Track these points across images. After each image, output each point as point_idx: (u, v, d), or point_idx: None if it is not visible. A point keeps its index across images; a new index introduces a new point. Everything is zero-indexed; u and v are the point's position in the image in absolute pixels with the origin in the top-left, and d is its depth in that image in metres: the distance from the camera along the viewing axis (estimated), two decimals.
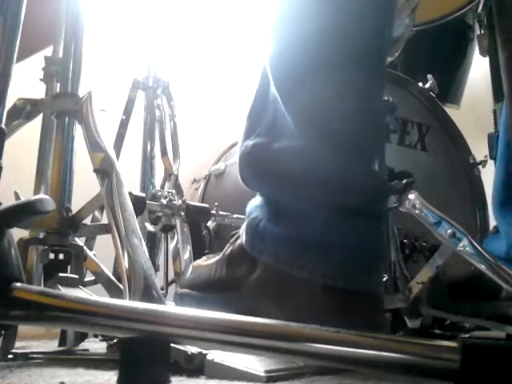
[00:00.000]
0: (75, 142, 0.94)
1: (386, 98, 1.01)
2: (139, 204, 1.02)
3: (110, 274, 0.93)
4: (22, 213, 0.53)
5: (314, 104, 0.65)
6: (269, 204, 0.68)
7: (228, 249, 0.73)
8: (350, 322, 0.60)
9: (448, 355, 0.38)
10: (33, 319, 0.48)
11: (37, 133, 1.05)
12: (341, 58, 0.64)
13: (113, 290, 0.89)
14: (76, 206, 0.90)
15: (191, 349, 0.66)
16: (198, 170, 1.67)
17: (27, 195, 0.89)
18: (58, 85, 0.97)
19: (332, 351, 0.42)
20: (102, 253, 0.97)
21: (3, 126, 0.61)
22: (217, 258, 0.75)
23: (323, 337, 0.42)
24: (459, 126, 1.43)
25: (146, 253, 0.69)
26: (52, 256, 0.87)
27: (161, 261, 1.34)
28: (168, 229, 1.24)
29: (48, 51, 1.06)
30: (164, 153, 1.40)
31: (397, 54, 1.25)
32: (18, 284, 0.47)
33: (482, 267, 0.79)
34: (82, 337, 0.94)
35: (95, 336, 1.11)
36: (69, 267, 0.88)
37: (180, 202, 1.21)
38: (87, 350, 0.93)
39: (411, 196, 0.87)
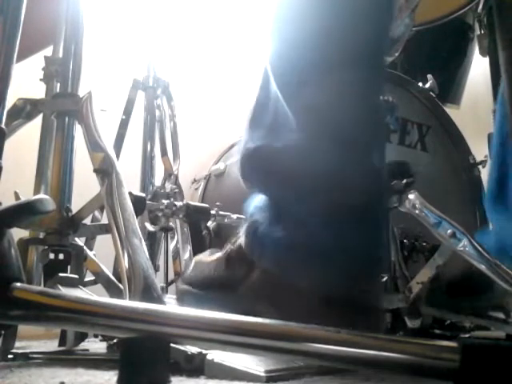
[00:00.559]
0: (75, 141, 0.94)
1: (386, 98, 1.01)
2: (139, 204, 1.02)
3: (109, 274, 0.93)
4: (22, 213, 0.53)
5: (315, 102, 0.64)
6: (270, 206, 0.68)
7: (228, 248, 0.73)
8: (350, 323, 0.59)
9: (448, 355, 0.38)
10: (33, 319, 0.48)
11: (37, 133, 1.05)
12: (341, 57, 0.64)
13: (113, 289, 0.89)
14: (76, 206, 0.90)
15: (191, 349, 0.66)
16: (197, 170, 1.67)
17: (27, 195, 0.89)
18: (58, 85, 0.98)
19: (332, 351, 0.42)
20: (102, 253, 0.97)
21: (3, 126, 0.61)
22: (218, 255, 0.75)
23: (323, 337, 0.42)
24: (459, 126, 1.43)
25: (146, 253, 0.69)
26: (52, 256, 0.87)
27: (161, 261, 1.34)
28: (168, 229, 1.24)
29: (48, 51, 1.06)
30: (164, 153, 1.40)
31: (397, 54, 1.25)
32: (18, 284, 0.47)
33: (482, 267, 0.79)
34: (82, 337, 0.93)
35: (95, 336, 1.11)
36: (69, 267, 0.88)
37: (180, 201, 1.21)
38: (87, 350, 0.93)
39: (411, 196, 0.88)
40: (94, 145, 0.84)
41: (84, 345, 0.95)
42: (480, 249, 0.81)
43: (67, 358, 0.85)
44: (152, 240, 1.33)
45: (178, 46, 1.88)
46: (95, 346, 1.03)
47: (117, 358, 0.45)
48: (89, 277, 0.98)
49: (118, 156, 1.31)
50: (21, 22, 0.67)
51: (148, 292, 0.63)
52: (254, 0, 2.05)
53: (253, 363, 0.64)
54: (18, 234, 0.75)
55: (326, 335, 0.42)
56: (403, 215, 0.91)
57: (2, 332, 0.76)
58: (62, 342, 1.00)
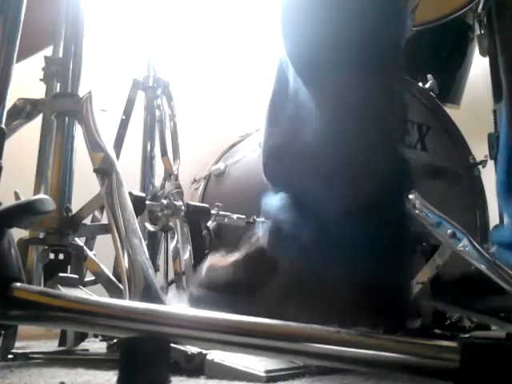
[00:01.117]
0: (75, 141, 0.94)
1: None
2: (139, 204, 1.02)
3: (109, 274, 0.93)
4: (22, 213, 0.53)
5: (339, 98, 0.64)
6: (294, 205, 0.67)
7: (246, 250, 0.72)
8: (380, 320, 0.60)
9: (448, 355, 0.38)
10: (33, 319, 0.48)
11: (37, 133, 1.05)
12: (365, 53, 0.64)
13: (113, 290, 0.89)
14: (76, 206, 0.90)
15: (191, 349, 0.66)
16: (197, 169, 1.67)
17: (27, 195, 0.89)
18: (58, 85, 0.98)
19: (332, 351, 0.42)
20: (102, 253, 0.97)
21: (3, 126, 0.61)
22: (233, 258, 0.74)
23: (323, 337, 0.42)
24: (459, 126, 1.43)
25: (146, 253, 0.69)
26: (52, 256, 0.87)
27: (161, 261, 1.34)
28: (168, 229, 1.24)
29: (48, 51, 1.06)
30: (164, 153, 1.40)
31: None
32: (18, 284, 0.47)
33: (482, 267, 0.79)
34: (82, 337, 0.93)
35: (95, 336, 1.11)
36: (69, 267, 0.88)
37: (180, 202, 1.21)
38: (87, 350, 0.93)
39: (411, 196, 0.88)
40: (94, 145, 0.84)
41: (84, 345, 0.95)
42: (480, 249, 0.81)
43: (67, 357, 0.85)
44: (152, 240, 1.33)
45: (178, 46, 1.88)
46: (95, 345, 1.02)
47: (117, 358, 0.45)
48: (89, 277, 0.98)
49: (118, 156, 1.31)
50: (21, 22, 0.67)
51: (148, 292, 0.63)
52: (253, 0, 2.06)
53: (253, 363, 0.64)
54: (18, 234, 0.75)
55: (326, 335, 0.42)
56: None
57: (2, 332, 0.76)
58: (62, 342, 1.00)
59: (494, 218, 1.34)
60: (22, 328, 0.87)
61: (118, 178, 0.79)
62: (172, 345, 0.48)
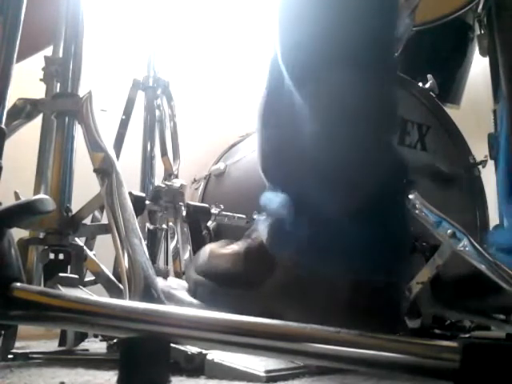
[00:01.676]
0: (75, 141, 0.94)
1: None
2: (139, 204, 1.02)
3: (109, 274, 0.93)
4: (22, 213, 0.53)
5: (333, 96, 0.64)
6: (293, 203, 0.67)
7: (247, 243, 0.72)
8: (375, 324, 0.60)
9: (448, 355, 0.38)
10: (33, 319, 0.48)
11: (37, 133, 1.05)
12: (358, 50, 0.64)
13: (113, 289, 0.89)
14: (76, 206, 0.90)
15: (191, 349, 0.66)
16: (197, 169, 1.67)
17: (27, 195, 0.89)
18: (58, 85, 0.97)
19: (332, 351, 0.42)
20: (102, 253, 0.97)
21: (3, 126, 0.61)
22: (235, 248, 0.74)
23: (323, 337, 0.42)
24: (459, 126, 1.43)
25: (146, 253, 0.69)
26: (52, 256, 0.87)
27: (161, 261, 1.34)
28: (168, 229, 1.24)
29: (48, 51, 1.06)
30: (164, 153, 1.40)
31: (397, 54, 1.25)
32: (18, 284, 0.47)
33: (482, 267, 0.79)
34: (82, 337, 0.93)
35: (95, 336, 1.11)
36: (69, 267, 0.88)
37: (180, 201, 1.20)
38: (87, 350, 0.93)
39: (411, 196, 0.88)
40: (94, 145, 0.84)
41: (84, 345, 0.95)
42: (480, 249, 0.81)
43: (67, 357, 0.85)
44: (152, 240, 1.33)
45: (178, 46, 1.88)
46: (95, 345, 1.02)
47: (117, 358, 0.45)
48: (89, 277, 0.98)
49: (118, 156, 1.31)
50: (21, 22, 0.67)
51: (148, 292, 0.63)
52: (253, 1, 2.06)
53: (253, 363, 0.64)
54: (18, 234, 0.75)
55: (326, 335, 0.42)
56: None
57: (2, 332, 0.76)
58: (62, 342, 1.00)
59: (493, 218, 1.34)
60: (22, 328, 0.87)
61: (118, 178, 0.79)
62: (172, 345, 0.48)
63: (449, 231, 0.83)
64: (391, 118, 0.69)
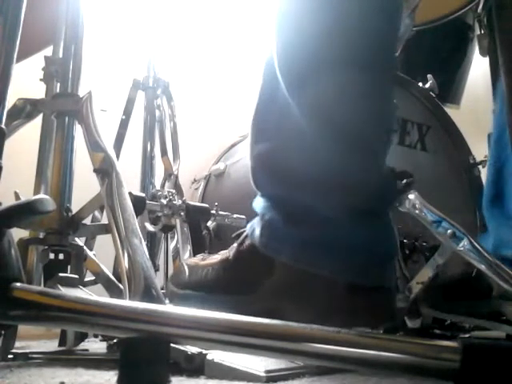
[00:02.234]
0: (75, 141, 0.94)
1: None
2: (139, 204, 1.02)
3: (109, 274, 0.93)
4: (22, 213, 0.53)
5: (325, 102, 0.64)
6: (283, 205, 0.67)
7: (236, 249, 0.72)
8: (373, 317, 0.60)
9: (448, 355, 0.38)
10: (33, 319, 0.48)
11: (37, 133, 1.05)
12: (349, 56, 0.64)
13: (113, 289, 0.89)
14: (76, 206, 0.90)
15: (191, 349, 0.66)
16: (197, 170, 1.67)
17: (27, 195, 0.89)
18: (58, 85, 0.98)
19: (332, 351, 0.42)
20: (102, 253, 0.97)
21: (3, 126, 0.61)
22: (219, 257, 0.74)
23: (323, 337, 0.42)
24: (459, 126, 1.43)
25: (146, 253, 0.69)
26: (52, 256, 0.87)
27: (161, 261, 1.34)
28: (168, 229, 1.24)
29: (48, 51, 1.06)
30: (164, 153, 1.40)
31: (397, 54, 1.25)
32: (18, 284, 0.47)
33: (482, 267, 0.79)
34: (82, 337, 0.93)
35: (95, 336, 1.11)
36: (69, 267, 0.88)
37: (180, 202, 1.20)
38: (87, 350, 0.93)
39: (411, 196, 0.87)
40: (94, 145, 0.84)
41: (84, 345, 0.95)
42: (480, 249, 0.80)
43: (67, 357, 0.85)
44: (152, 240, 1.33)
45: (178, 46, 1.88)
46: (95, 346, 1.03)
47: (117, 358, 0.45)
48: (89, 277, 0.98)
49: (118, 156, 1.31)
50: (21, 22, 0.67)
51: (148, 292, 0.63)
52: (253, 1, 2.06)
53: (253, 363, 0.64)
54: (18, 234, 0.75)
55: (326, 335, 0.42)
56: (403, 215, 0.91)
57: (2, 332, 0.76)
58: (62, 342, 1.00)
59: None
60: (22, 328, 0.87)
61: (118, 178, 0.79)
62: (172, 345, 0.48)
63: (449, 231, 0.83)
64: (385, 126, 0.69)
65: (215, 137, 1.85)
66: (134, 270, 0.65)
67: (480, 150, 1.41)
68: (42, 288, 0.69)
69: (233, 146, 1.60)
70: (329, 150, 0.64)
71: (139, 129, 1.45)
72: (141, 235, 0.72)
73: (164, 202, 1.19)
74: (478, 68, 1.66)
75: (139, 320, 0.45)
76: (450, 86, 1.69)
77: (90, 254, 0.93)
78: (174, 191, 1.26)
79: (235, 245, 0.72)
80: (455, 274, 0.91)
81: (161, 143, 1.41)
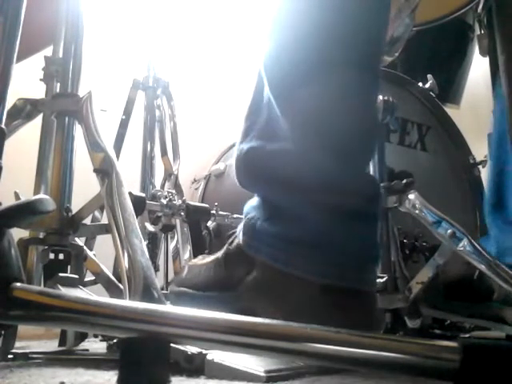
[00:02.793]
0: (75, 141, 0.94)
1: (386, 98, 1.01)
2: (139, 204, 1.02)
3: (110, 274, 0.93)
4: (22, 213, 0.53)
5: (308, 106, 0.65)
6: (265, 204, 0.68)
7: (225, 248, 0.73)
8: (348, 320, 0.60)
9: (448, 355, 0.38)
10: (33, 319, 0.48)
11: (37, 133, 1.05)
12: (335, 60, 0.64)
13: (113, 289, 0.89)
14: (76, 206, 0.90)
15: (191, 349, 0.66)
16: (197, 170, 1.67)
17: (27, 195, 0.89)
18: (58, 85, 0.98)
19: (332, 351, 0.42)
20: (102, 253, 0.97)
21: (3, 126, 0.61)
22: (213, 257, 0.75)
23: (323, 337, 0.42)
24: (459, 126, 1.43)
25: (146, 253, 0.69)
26: (52, 256, 0.87)
27: (161, 261, 1.34)
28: (168, 229, 1.24)
29: (48, 51, 1.06)
30: (164, 153, 1.40)
31: (397, 54, 1.25)
32: (18, 284, 0.47)
33: (482, 267, 0.79)
34: (82, 337, 0.94)
35: (95, 336, 1.11)
36: (69, 267, 0.88)
37: (180, 202, 1.20)
38: (87, 350, 0.93)
39: (411, 196, 0.88)
40: (93, 145, 0.84)
41: (84, 345, 0.95)
42: (480, 249, 0.81)
43: (67, 357, 0.85)
44: (152, 240, 1.33)
45: (178, 46, 1.88)
46: (95, 346, 1.03)
47: (117, 358, 0.45)
48: (89, 277, 0.98)
49: (118, 156, 1.31)
50: (21, 22, 0.67)
51: (148, 292, 0.63)
52: (253, 1, 2.05)
53: (253, 363, 0.64)
54: (18, 234, 0.75)
55: (326, 335, 0.42)
56: (403, 215, 0.91)
57: (2, 332, 0.76)
58: (62, 342, 1.00)
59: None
60: (22, 328, 0.87)
61: (118, 178, 0.79)
62: (172, 345, 0.48)
63: (449, 231, 0.83)
64: (369, 129, 0.69)
65: (215, 137, 1.85)
66: (133, 270, 0.65)
67: (480, 150, 1.42)
68: (42, 288, 0.69)
69: (233, 146, 1.59)
70: (307, 150, 0.64)
71: (139, 129, 1.44)
72: (141, 235, 0.72)
73: (164, 202, 1.19)
74: (478, 68, 1.66)
75: (139, 320, 0.45)
76: (450, 86, 1.69)
77: (90, 254, 0.93)
78: (173, 191, 1.26)
79: (227, 244, 0.73)
80: (456, 274, 0.91)
81: (161, 143, 1.41)
